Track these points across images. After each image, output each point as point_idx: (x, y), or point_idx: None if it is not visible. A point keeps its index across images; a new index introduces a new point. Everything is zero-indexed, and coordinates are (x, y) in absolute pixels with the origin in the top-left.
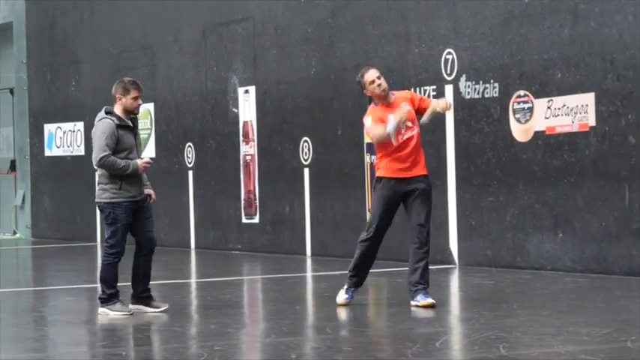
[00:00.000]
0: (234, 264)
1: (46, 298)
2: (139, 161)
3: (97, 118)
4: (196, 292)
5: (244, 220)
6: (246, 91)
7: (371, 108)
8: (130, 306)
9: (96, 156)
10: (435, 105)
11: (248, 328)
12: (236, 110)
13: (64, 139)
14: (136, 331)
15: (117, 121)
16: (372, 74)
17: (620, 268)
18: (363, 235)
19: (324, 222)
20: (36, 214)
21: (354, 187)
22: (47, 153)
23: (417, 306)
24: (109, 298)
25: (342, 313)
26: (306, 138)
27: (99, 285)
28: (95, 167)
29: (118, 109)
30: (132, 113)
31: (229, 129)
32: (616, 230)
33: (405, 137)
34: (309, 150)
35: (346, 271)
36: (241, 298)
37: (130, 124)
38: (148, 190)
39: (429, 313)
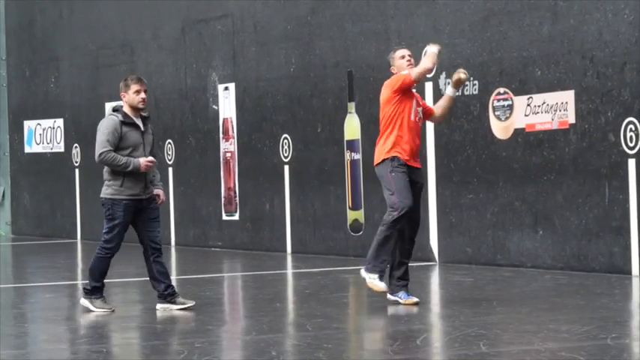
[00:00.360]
0: (215, 261)
1: (26, 295)
2: (141, 159)
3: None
4: (176, 290)
5: (224, 217)
6: (226, 88)
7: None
8: (158, 305)
9: (97, 151)
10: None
11: (228, 325)
12: (216, 107)
13: (43, 135)
14: (117, 328)
15: (121, 118)
16: (403, 50)
17: (600, 266)
18: (394, 215)
19: (304, 219)
20: (16, 210)
21: (334, 184)
22: (27, 150)
23: (398, 302)
24: (92, 291)
25: (323, 311)
26: (286, 135)
27: (87, 277)
28: (96, 162)
29: (125, 107)
30: (139, 109)
31: (209, 126)
32: (596, 228)
33: (415, 119)
34: (289, 147)
35: (327, 268)
36: (221, 296)
37: (138, 122)
38: (157, 190)
39: (409, 310)
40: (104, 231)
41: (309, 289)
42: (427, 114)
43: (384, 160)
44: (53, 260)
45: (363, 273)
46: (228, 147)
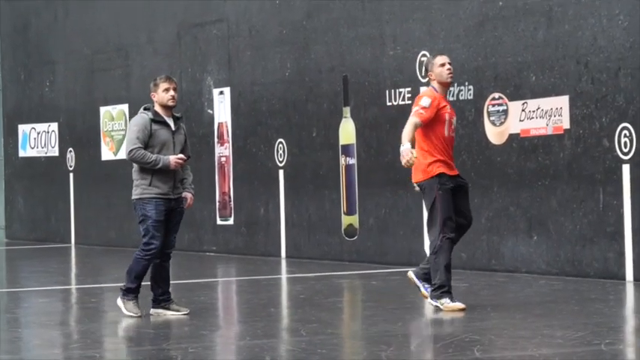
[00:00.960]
0: (209, 266)
1: (20, 300)
2: (171, 157)
3: None
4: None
5: (219, 221)
6: (221, 93)
7: (432, 91)
8: (151, 310)
9: (127, 148)
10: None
11: (222, 330)
12: (211, 112)
13: (38, 139)
14: (110, 333)
15: (152, 116)
16: (444, 57)
17: (595, 271)
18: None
19: (298, 224)
20: (10, 215)
21: (329, 188)
22: (21, 154)
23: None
24: (127, 291)
25: (317, 316)
26: (280, 140)
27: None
28: (127, 160)
29: (156, 107)
30: (169, 107)
31: (204, 130)
32: (590, 233)
33: (452, 134)
34: (284, 152)
35: (322, 273)
36: (216, 300)
37: (169, 121)
38: (186, 193)
39: (402, 316)
40: (142, 234)
41: (303, 294)
42: None
43: None
44: (47, 265)
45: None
46: (223, 151)
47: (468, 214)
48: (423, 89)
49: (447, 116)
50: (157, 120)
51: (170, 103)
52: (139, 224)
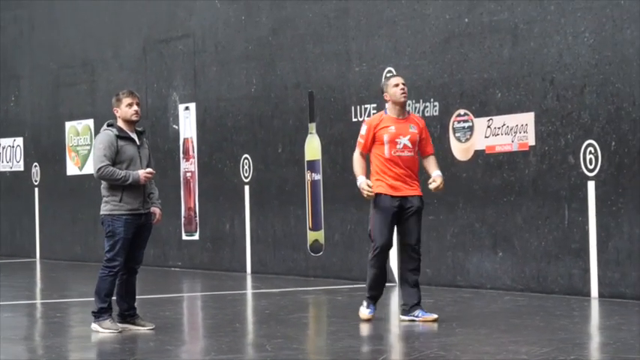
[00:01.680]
0: (174, 281)
1: None
2: (140, 171)
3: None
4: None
5: (184, 237)
6: (187, 108)
7: (378, 114)
8: (117, 325)
9: (94, 167)
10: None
11: (188, 345)
12: (176, 127)
13: (3, 154)
14: (76, 347)
15: (117, 132)
16: (398, 78)
17: (560, 288)
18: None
19: (264, 239)
20: None
21: (295, 204)
22: None
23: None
24: (100, 312)
25: (282, 331)
26: (246, 155)
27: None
28: (95, 178)
29: (120, 122)
30: (133, 122)
31: (169, 145)
32: (555, 250)
33: (397, 155)
34: (249, 167)
35: (287, 289)
36: (181, 316)
37: (133, 136)
38: (154, 208)
39: (368, 331)
40: (106, 249)
41: (268, 309)
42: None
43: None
44: (12, 279)
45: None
46: (189, 167)
47: (411, 239)
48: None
49: (385, 137)
50: (122, 136)
51: (134, 118)
52: (105, 238)
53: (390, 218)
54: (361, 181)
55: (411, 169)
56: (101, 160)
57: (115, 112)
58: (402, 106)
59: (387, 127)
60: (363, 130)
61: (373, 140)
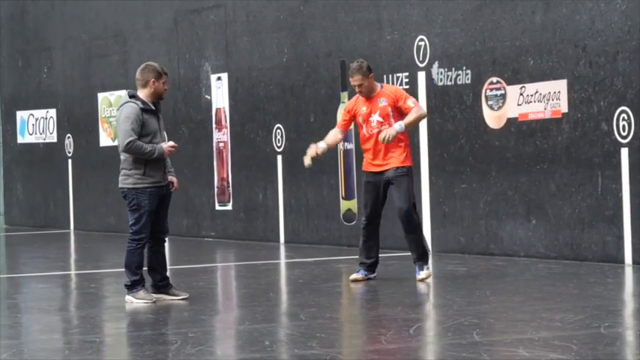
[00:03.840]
0: (208, 251)
1: (20, 286)
2: (164, 145)
3: (120, 103)
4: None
5: (217, 207)
6: (219, 78)
7: (355, 97)
8: (152, 295)
9: (122, 141)
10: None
11: (221, 315)
12: (208, 97)
13: (36, 126)
14: (110, 318)
15: (141, 105)
16: (355, 81)
17: (593, 255)
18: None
19: (297, 209)
20: (9, 201)
21: (327, 174)
22: (19, 140)
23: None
24: (133, 285)
25: (316, 300)
26: (278, 125)
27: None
28: (120, 152)
29: (143, 93)
30: (160, 98)
31: (202, 116)
32: (589, 217)
33: (373, 131)
34: (282, 137)
35: (320, 258)
36: (215, 286)
37: (154, 108)
38: (171, 177)
39: (402, 300)
40: (131, 223)
41: (302, 278)
42: (399, 113)
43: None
44: (46, 251)
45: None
46: (221, 137)
47: (396, 203)
48: (420, 74)
49: (360, 119)
50: (146, 109)
51: (164, 97)
52: (129, 211)
53: (372, 193)
54: (319, 144)
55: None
56: (129, 134)
57: (152, 83)
58: (366, 95)
59: (359, 109)
60: (342, 113)
61: (351, 122)
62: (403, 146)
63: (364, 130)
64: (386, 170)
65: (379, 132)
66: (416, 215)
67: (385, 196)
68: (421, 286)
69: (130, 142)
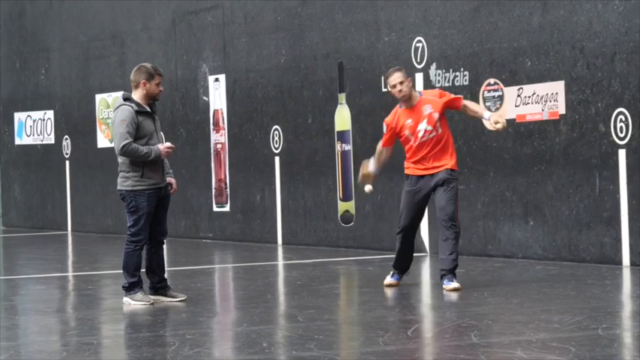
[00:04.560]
0: (205, 252)
1: (17, 287)
2: (161, 146)
3: (114, 105)
4: (168, 281)
5: (215, 208)
6: (217, 80)
7: (394, 111)
8: (150, 297)
9: (117, 144)
10: (489, 120)
11: (219, 316)
12: (206, 99)
13: (34, 127)
14: (108, 319)
15: (136, 107)
16: (394, 79)
17: (591, 256)
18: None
19: (294, 210)
20: (6, 202)
21: (325, 175)
22: (17, 141)
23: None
24: (130, 286)
25: (314, 302)
26: (276, 126)
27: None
28: (117, 155)
29: (137, 95)
30: (154, 99)
31: (200, 117)
32: (587, 218)
33: (422, 140)
34: (279, 138)
35: (318, 259)
36: (212, 287)
37: (149, 109)
38: (170, 179)
39: (400, 301)
40: (129, 224)
41: (300, 280)
42: (452, 109)
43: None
44: (44, 252)
45: None
46: (219, 138)
47: (444, 206)
48: (418, 76)
49: (407, 132)
50: (140, 111)
51: (158, 98)
52: (127, 213)
53: (413, 200)
54: (368, 162)
55: (439, 149)
56: (125, 137)
57: (143, 84)
58: (406, 102)
59: (404, 122)
60: (384, 128)
61: (395, 137)
62: (452, 150)
63: (412, 142)
64: (437, 172)
65: (429, 140)
66: (458, 222)
67: (425, 208)
68: (418, 288)
69: (125, 144)
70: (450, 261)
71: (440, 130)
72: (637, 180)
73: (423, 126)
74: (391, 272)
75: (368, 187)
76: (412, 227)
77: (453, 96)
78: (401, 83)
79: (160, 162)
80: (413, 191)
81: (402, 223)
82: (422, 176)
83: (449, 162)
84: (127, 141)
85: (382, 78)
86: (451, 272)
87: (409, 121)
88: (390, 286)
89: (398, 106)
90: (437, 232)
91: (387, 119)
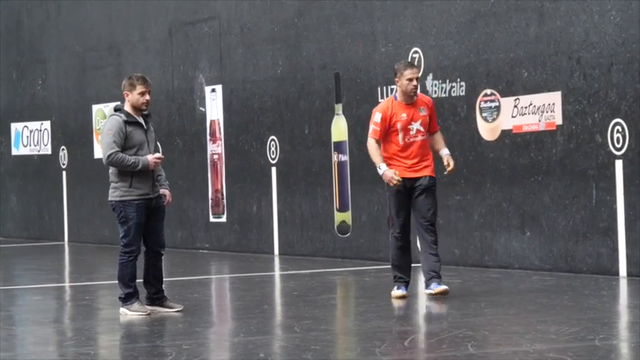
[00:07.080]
0: (202, 263)
1: (14, 298)
2: (149, 157)
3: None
4: (164, 292)
5: (212, 219)
6: (213, 90)
7: (387, 101)
8: (146, 307)
9: (104, 153)
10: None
11: (216, 327)
12: (203, 109)
13: (30, 138)
14: (104, 330)
15: (125, 117)
16: (413, 72)
17: (588, 267)
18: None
19: (291, 221)
20: (3, 213)
21: (322, 185)
22: (14, 152)
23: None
24: (127, 297)
25: (311, 312)
26: (273, 137)
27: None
28: (105, 165)
29: (127, 106)
30: (139, 109)
31: (196, 128)
32: (583, 229)
33: (411, 141)
34: (276, 149)
35: (315, 270)
36: (209, 297)
37: (140, 120)
38: (164, 190)
39: (397, 312)
40: (121, 235)
41: (296, 290)
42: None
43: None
44: (41, 262)
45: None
46: (216, 149)
47: (426, 213)
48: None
49: (399, 125)
50: (130, 121)
51: (144, 108)
52: (119, 224)
53: (405, 203)
54: (385, 169)
55: (423, 151)
56: (111, 146)
57: (126, 95)
58: (410, 98)
59: (399, 114)
60: (378, 117)
61: (387, 128)
62: (431, 157)
63: (400, 138)
64: (420, 177)
65: (416, 142)
66: (436, 228)
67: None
68: (415, 298)
69: (110, 154)
70: (438, 265)
71: (427, 136)
72: (634, 190)
73: (416, 125)
74: (396, 286)
75: (397, 178)
76: (408, 225)
77: (435, 122)
78: (417, 79)
79: (150, 173)
80: (401, 194)
81: (400, 222)
82: (408, 178)
83: (430, 168)
84: (113, 150)
85: (379, 83)
86: (439, 275)
87: (404, 115)
88: (401, 297)
89: (392, 97)
90: (416, 236)
91: (381, 109)
